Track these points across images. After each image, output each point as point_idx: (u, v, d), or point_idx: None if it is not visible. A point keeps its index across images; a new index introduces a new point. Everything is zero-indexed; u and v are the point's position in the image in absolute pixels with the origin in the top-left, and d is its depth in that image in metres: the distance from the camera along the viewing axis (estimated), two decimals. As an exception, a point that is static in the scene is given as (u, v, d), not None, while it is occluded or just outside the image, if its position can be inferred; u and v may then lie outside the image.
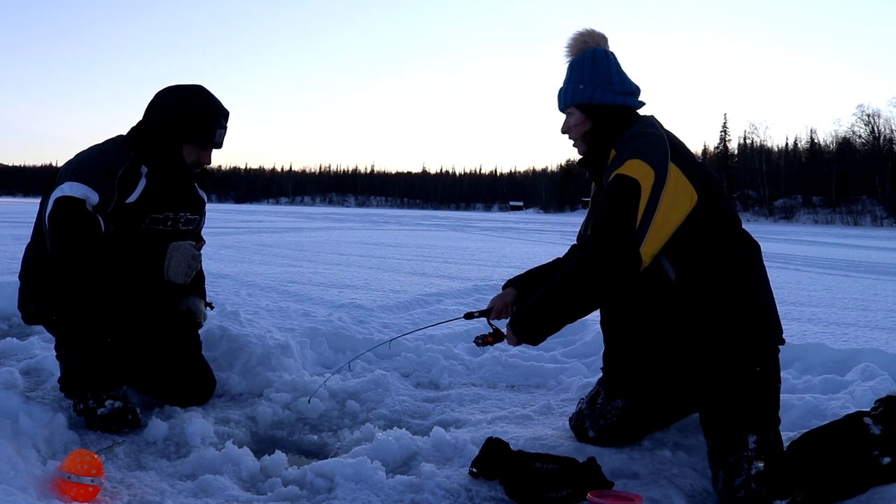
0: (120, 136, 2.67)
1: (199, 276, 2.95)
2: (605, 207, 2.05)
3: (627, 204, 2.01)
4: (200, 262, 2.59)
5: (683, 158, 2.11)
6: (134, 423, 2.51)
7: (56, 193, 2.43)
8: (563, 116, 2.38)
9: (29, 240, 2.67)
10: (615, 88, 2.27)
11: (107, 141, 2.65)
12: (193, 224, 2.81)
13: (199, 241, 2.75)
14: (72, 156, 2.61)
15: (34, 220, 2.65)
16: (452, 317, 2.81)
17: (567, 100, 2.32)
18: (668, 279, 2.09)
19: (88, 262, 2.38)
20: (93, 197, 2.44)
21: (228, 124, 2.71)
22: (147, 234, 2.60)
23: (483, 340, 2.42)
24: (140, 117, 2.68)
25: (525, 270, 2.61)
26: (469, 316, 2.58)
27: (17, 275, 2.66)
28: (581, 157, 2.37)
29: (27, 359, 3.26)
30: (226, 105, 2.71)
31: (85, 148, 2.66)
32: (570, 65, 2.34)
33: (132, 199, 2.54)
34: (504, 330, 2.33)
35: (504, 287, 2.57)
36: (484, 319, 2.52)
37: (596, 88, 2.26)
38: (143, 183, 2.57)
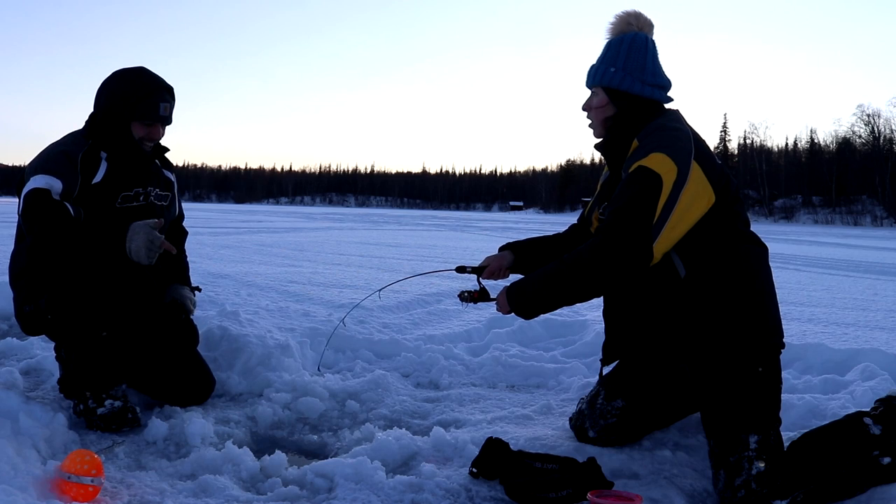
0: (77, 130, 2.70)
1: (183, 264, 2.96)
2: (626, 197, 2.03)
3: (648, 198, 1.99)
4: (162, 241, 2.49)
5: (706, 158, 2.09)
6: (134, 423, 2.51)
7: (26, 188, 2.46)
8: (587, 93, 2.33)
9: (13, 248, 2.67)
10: (646, 79, 2.22)
11: (64, 136, 2.68)
12: (167, 200, 2.81)
13: (161, 219, 2.63)
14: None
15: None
16: (446, 269, 2.83)
17: (596, 79, 2.26)
18: (677, 276, 2.08)
19: (63, 248, 2.40)
20: (56, 185, 2.46)
21: (176, 100, 2.73)
22: (123, 213, 2.60)
23: (469, 296, 2.42)
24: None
25: (525, 238, 2.60)
26: (461, 270, 2.58)
27: (8, 284, 2.65)
28: (600, 140, 2.32)
29: (27, 359, 3.26)
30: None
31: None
32: (607, 43, 2.28)
33: (97, 179, 2.57)
34: (491, 292, 2.32)
35: (500, 249, 2.56)
36: (474, 277, 2.53)
37: (627, 75, 2.21)
38: (104, 166, 2.60)
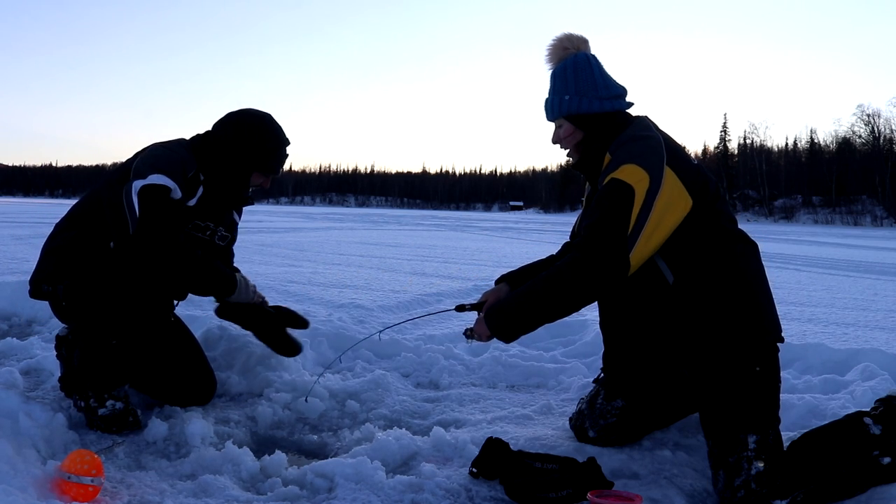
0: (184, 140, 2.71)
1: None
2: (599, 212, 2.04)
3: (621, 209, 2.00)
4: (261, 299, 2.81)
5: (680, 161, 2.09)
6: (134, 426, 2.51)
7: (145, 181, 2.46)
8: (552, 126, 2.36)
9: (61, 220, 2.67)
10: (601, 94, 2.24)
11: (176, 143, 2.68)
12: (226, 241, 2.87)
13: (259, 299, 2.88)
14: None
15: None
16: (446, 309, 2.84)
17: (555, 112, 2.29)
18: (665, 282, 2.08)
19: (172, 249, 2.44)
20: (176, 192, 2.51)
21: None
22: (185, 238, 2.62)
23: (470, 333, 2.42)
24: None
25: (519, 267, 2.60)
26: (461, 308, 2.58)
27: (41, 249, 2.65)
28: (575, 161, 2.34)
29: (27, 359, 3.26)
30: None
31: (149, 145, 2.68)
32: (552, 74, 2.31)
33: (192, 202, 2.60)
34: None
35: (497, 282, 2.56)
36: (475, 313, 2.52)
37: (582, 98, 2.24)
38: (199, 191, 2.63)
